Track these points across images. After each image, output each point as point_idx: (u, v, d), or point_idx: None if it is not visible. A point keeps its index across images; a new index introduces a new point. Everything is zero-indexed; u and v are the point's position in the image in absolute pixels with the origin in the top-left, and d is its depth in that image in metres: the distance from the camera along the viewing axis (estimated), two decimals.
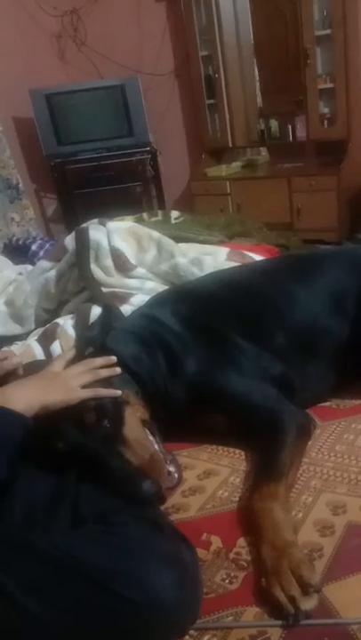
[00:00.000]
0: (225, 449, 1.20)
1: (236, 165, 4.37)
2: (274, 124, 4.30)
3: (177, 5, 4.10)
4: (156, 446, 1.06)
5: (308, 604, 0.79)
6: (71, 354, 1.12)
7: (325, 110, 3.87)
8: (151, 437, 1.07)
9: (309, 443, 1.16)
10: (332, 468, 1.08)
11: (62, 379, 1.04)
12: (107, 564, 0.76)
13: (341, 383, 1.35)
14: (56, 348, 1.57)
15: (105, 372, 1.08)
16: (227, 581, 0.87)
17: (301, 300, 1.35)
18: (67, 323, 1.65)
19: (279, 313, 1.34)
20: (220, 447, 1.21)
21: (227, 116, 4.21)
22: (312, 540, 0.92)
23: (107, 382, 1.07)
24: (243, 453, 1.18)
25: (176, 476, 1.07)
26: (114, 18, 4.34)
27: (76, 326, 1.61)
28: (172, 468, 1.07)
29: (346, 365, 1.33)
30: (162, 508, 1.03)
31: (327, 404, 1.33)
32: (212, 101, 4.23)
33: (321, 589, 0.82)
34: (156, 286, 1.73)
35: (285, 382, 1.26)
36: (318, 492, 1.03)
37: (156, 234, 1.83)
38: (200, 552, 0.92)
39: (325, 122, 3.88)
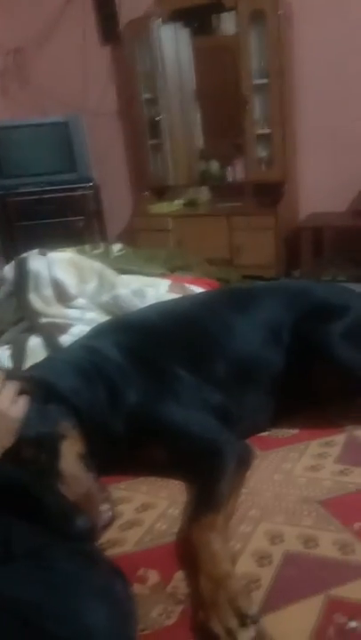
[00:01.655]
0: (164, 480, 1.18)
1: (177, 203, 4.47)
2: (214, 165, 4.46)
3: (121, 50, 4.24)
4: (92, 482, 1.03)
5: (245, 635, 0.77)
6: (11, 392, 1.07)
7: (263, 154, 4.06)
8: (87, 473, 1.04)
9: (248, 472, 1.16)
10: (270, 498, 1.09)
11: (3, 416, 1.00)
12: (37, 600, 0.72)
13: (280, 413, 1.37)
14: None
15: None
16: (163, 616, 0.85)
17: (240, 331, 1.38)
18: (3, 353, 1.60)
19: (219, 344, 1.35)
20: (158, 479, 1.19)
21: (169, 156, 4.34)
22: (250, 570, 0.91)
23: (44, 414, 1.05)
24: (181, 485, 1.16)
25: (109, 514, 1.04)
26: (59, 59, 4.43)
27: (12, 357, 1.57)
28: (104, 507, 1.04)
29: (283, 395, 1.36)
30: (98, 542, 1.00)
31: (266, 433, 1.35)
32: (154, 141, 4.35)
33: (259, 620, 0.80)
34: (96, 317, 1.72)
35: (225, 412, 1.26)
36: (257, 522, 1.02)
37: (97, 265, 1.83)
38: (137, 587, 0.89)
39: (263, 165, 4.07)
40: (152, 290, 1.77)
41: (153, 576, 0.92)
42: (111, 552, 0.99)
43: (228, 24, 4.05)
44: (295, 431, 1.34)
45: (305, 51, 3.81)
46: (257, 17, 3.72)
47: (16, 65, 4.51)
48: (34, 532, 0.90)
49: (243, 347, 1.36)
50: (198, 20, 4.18)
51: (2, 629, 0.70)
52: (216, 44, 4.26)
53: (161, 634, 0.82)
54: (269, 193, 4.01)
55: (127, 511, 1.10)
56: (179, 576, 0.92)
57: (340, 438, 1.27)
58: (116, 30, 4.24)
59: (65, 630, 0.70)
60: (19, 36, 4.40)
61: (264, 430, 1.35)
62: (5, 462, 0.96)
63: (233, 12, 3.84)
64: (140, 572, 0.93)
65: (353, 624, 0.79)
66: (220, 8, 3.89)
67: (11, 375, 1.13)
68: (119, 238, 4.60)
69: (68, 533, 0.90)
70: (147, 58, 4.16)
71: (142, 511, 1.10)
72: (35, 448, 0.99)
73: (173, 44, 4.20)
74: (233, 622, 0.78)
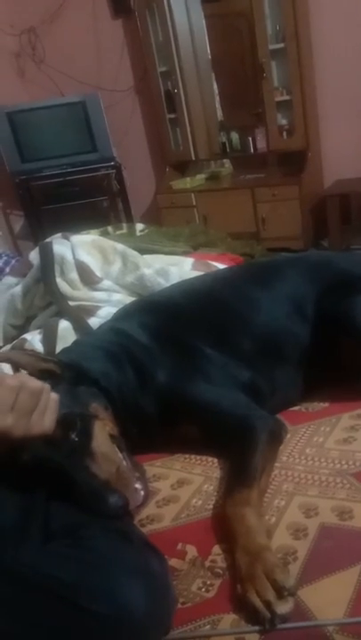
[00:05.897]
0: (198, 457, 1.20)
1: (200, 178, 4.42)
2: (235, 136, 4.37)
3: (133, 22, 4.16)
4: (123, 462, 1.05)
5: (283, 607, 0.79)
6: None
7: (284, 122, 3.96)
8: (119, 453, 1.06)
9: (281, 447, 1.17)
10: (303, 471, 1.09)
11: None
12: (74, 578, 0.75)
13: (309, 387, 1.37)
14: None
15: None
16: (203, 590, 0.87)
17: (264, 306, 1.37)
18: (34, 338, 1.63)
19: (244, 320, 1.35)
20: (192, 456, 1.21)
21: (188, 130, 4.27)
22: (286, 543, 0.92)
23: (74, 395, 1.07)
24: (215, 461, 1.18)
25: (142, 493, 1.05)
26: (71, 36, 4.37)
27: (43, 341, 1.60)
28: (138, 485, 1.04)
29: (312, 369, 1.35)
30: (136, 519, 1.03)
31: (296, 407, 1.34)
32: (173, 116, 4.28)
33: (296, 592, 0.82)
34: (123, 298, 1.73)
35: (255, 388, 1.27)
36: (290, 496, 1.03)
37: (120, 246, 1.83)
38: (176, 562, 0.92)
39: (284, 133, 3.97)
40: (176, 269, 1.77)
41: (191, 551, 0.95)
42: (149, 528, 1.02)
43: None
44: (326, 405, 1.33)
45: (321, 12, 3.67)
46: None
47: (30, 45, 4.48)
48: (70, 511, 0.93)
49: (268, 321, 1.35)
50: None
51: (41, 608, 0.73)
52: (228, 11, 4.13)
53: (202, 606, 0.84)
54: (293, 162, 3.92)
55: (163, 488, 1.12)
56: (216, 550, 0.94)
57: None
58: (126, 2, 4.16)
59: (103, 608, 0.72)
60: (30, 16, 4.35)
61: (294, 405, 1.35)
62: (37, 440, 0.97)
63: None
64: (179, 546, 0.96)
65: None
66: None
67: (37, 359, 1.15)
68: (144, 217, 4.59)
69: (101, 511, 0.92)
70: (159, 29, 4.07)
71: (178, 488, 1.12)
72: (65, 427, 1.00)
73: (185, 13, 4.10)
74: (271, 595, 0.80)
